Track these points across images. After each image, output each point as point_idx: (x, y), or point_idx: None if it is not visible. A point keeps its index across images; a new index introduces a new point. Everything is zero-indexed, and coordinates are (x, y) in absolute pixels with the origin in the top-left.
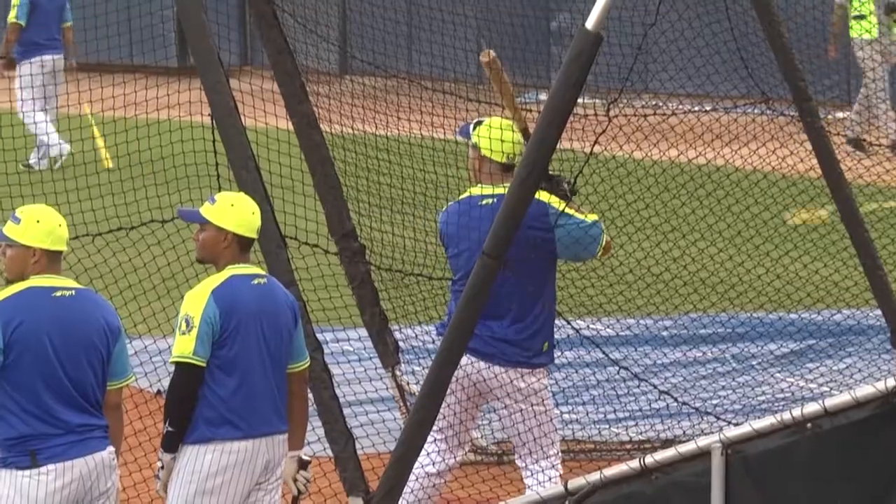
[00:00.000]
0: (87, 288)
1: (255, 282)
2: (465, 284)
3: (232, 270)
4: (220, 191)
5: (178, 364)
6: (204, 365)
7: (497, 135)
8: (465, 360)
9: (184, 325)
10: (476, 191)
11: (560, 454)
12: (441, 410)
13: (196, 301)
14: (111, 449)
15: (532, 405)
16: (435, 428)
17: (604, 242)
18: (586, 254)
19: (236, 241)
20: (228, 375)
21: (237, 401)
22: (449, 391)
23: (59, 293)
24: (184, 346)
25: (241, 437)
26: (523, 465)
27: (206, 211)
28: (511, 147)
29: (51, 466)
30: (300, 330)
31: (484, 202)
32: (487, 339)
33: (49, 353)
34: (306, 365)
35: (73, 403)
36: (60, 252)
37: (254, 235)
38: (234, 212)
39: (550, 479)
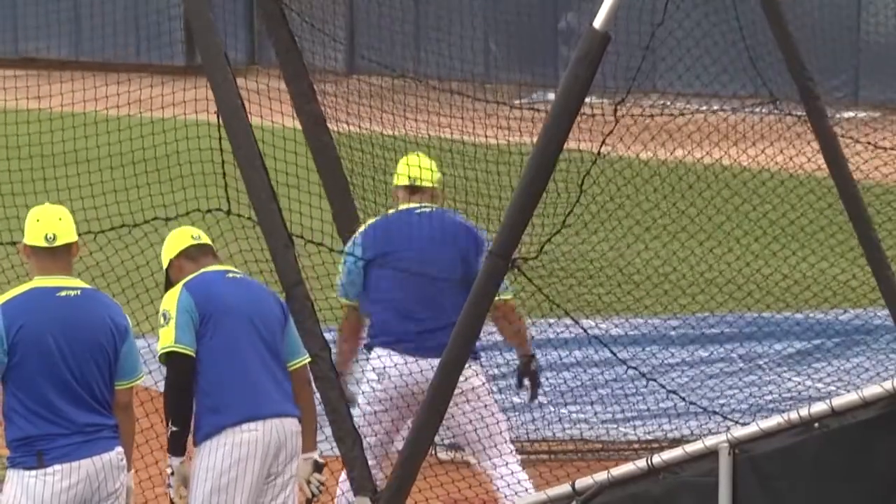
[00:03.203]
0: (93, 287)
1: (230, 275)
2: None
3: (205, 269)
4: (226, 189)
5: (165, 356)
6: (191, 353)
7: (403, 164)
8: (399, 360)
9: (162, 319)
10: (403, 206)
11: (513, 449)
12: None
13: (170, 296)
14: (119, 449)
15: (468, 398)
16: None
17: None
18: None
19: (183, 258)
20: (221, 362)
21: (235, 385)
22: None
23: (63, 293)
24: (165, 338)
25: (248, 418)
26: (482, 463)
27: (163, 261)
28: (415, 171)
29: (57, 467)
30: (292, 325)
31: (419, 212)
32: (420, 333)
33: (54, 352)
34: (305, 361)
35: (80, 402)
36: (50, 248)
37: (191, 242)
38: (166, 245)
39: (513, 472)
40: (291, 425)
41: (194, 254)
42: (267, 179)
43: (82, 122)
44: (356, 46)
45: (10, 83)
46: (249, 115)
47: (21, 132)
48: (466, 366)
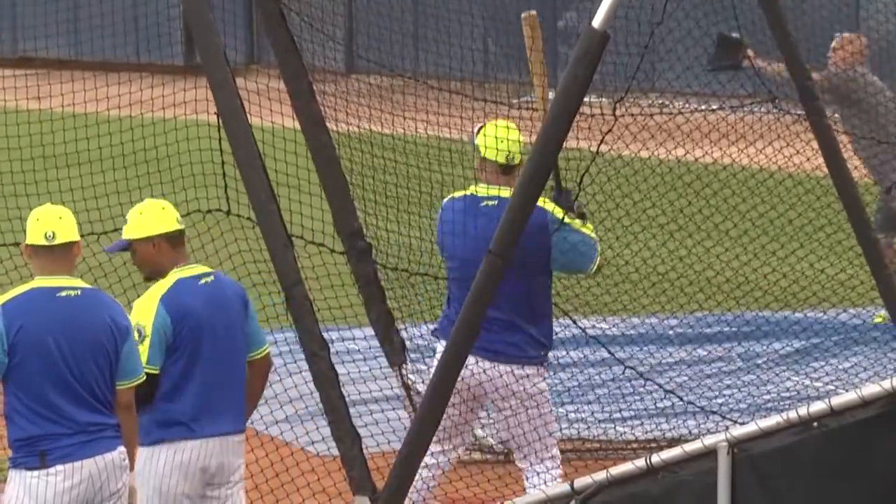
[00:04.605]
0: (94, 287)
1: (203, 281)
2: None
3: (177, 274)
4: (226, 190)
5: None
6: (157, 371)
7: (493, 135)
8: (470, 359)
9: (137, 335)
10: (481, 191)
11: (558, 456)
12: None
13: (145, 310)
14: (122, 449)
15: (527, 403)
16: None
17: (598, 260)
18: (579, 264)
19: (165, 241)
20: (181, 380)
21: (189, 404)
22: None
23: (64, 293)
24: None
25: (192, 436)
26: (525, 466)
27: (127, 232)
28: (507, 145)
29: (59, 467)
30: (252, 317)
31: (484, 203)
32: (491, 337)
33: (54, 352)
34: (265, 352)
35: (82, 402)
36: (49, 247)
37: (178, 226)
38: (148, 216)
39: (555, 478)
40: (234, 441)
41: (176, 241)
42: (266, 180)
43: (83, 122)
44: (355, 46)
45: (9, 83)
46: (249, 116)
47: (21, 133)
48: (522, 368)
